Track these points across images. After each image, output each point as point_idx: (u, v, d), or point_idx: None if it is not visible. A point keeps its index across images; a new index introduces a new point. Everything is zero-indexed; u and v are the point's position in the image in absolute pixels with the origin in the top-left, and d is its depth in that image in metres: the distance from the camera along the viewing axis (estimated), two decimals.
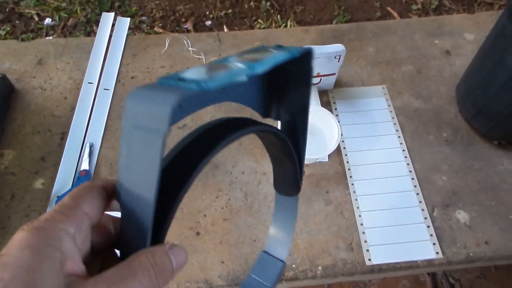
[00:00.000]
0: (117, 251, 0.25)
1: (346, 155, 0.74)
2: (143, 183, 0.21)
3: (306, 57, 0.29)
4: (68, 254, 0.20)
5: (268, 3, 1.95)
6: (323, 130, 0.74)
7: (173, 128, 0.77)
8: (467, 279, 1.20)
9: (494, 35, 0.65)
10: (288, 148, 0.32)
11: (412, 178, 0.72)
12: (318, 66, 0.75)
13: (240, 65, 0.24)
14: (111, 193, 0.25)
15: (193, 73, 0.22)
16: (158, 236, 0.23)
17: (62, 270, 0.19)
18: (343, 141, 0.75)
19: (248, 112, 0.38)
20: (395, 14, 1.92)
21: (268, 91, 0.32)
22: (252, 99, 0.31)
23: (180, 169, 0.24)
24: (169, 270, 0.22)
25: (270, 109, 0.33)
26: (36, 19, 1.78)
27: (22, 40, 1.27)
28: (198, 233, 0.66)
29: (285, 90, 0.32)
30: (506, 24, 0.60)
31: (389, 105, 0.80)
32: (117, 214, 0.24)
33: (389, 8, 1.97)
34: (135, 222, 0.22)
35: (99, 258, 0.25)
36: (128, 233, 0.23)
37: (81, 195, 0.23)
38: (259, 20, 1.87)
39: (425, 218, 0.68)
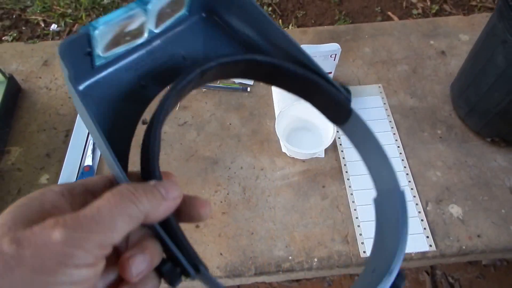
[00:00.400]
0: None
1: (342, 151, 0.76)
2: (96, 139, 0.24)
3: None
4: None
5: (270, 8, 1.97)
6: (319, 126, 0.76)
7: (174, 125, 0.80)
8: (466, 279, 1.21)
9: (485, 35, 0.67)
10: (284, 70, 0.29)
11: (407, 174, 0.73)
12: None
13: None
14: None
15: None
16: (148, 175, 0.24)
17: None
18: (339, 138, 0.77)
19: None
20: (396, 19, 1.94)
21: (234, 40, 0.32)
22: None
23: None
24: (153, 193, 0.22)
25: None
26: (42, 25, 1.82)
27: None
28: (197, 226, 0.68)
29: (239, 24, 0.31)
30: (496, 24, 0.62)
31: (384, 103, 0.82)
32: None
33: (389, 13, 1.99)
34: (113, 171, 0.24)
35: None
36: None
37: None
38: None
39: (419, 212, 0.70)
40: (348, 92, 0.30)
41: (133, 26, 0.27)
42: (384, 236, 0.29)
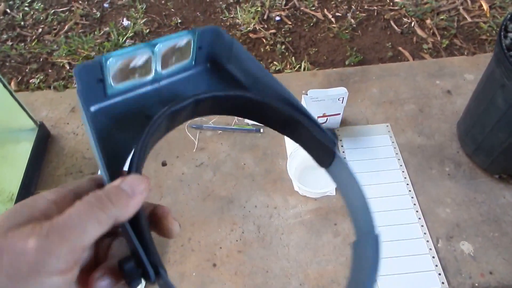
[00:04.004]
0: None
1: None
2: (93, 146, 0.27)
3: (216, 35, 0.34)
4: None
5: (283, 46, 2.04)
6: None
7: (191, 166, 0.84)
8: None
9: (486, 78, 0.70)
10: (272, 108, 0.32)
11: (417, 211, 0.76)
12: (324, 107, 0.81)
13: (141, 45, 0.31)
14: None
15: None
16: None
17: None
18: None
19: None
20: (407, 54, 1.98)
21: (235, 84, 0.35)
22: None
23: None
24: (118, 195, 0.23)
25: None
26: (68, 67, 1.92)
27: (54, 88, 1.39)
28: (214, 265, 0.71)
29: (238, 72, 0.35)
30: (494, 69, 0.65)
31: (393, 142, 0.85)
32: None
33: (400, 48, 2.03)
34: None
35: None
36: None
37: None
38: (274, 62, 1.97)
39: (430, 249, 0.71)
40: (334, 135, 0.32)
41: (140, 62, 0.31)
42: (358, 277, 0.30)
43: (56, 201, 0.24)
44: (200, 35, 0.33)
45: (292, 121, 0.32)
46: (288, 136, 0.34)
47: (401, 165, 0.81)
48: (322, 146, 0.32)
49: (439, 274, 0.69)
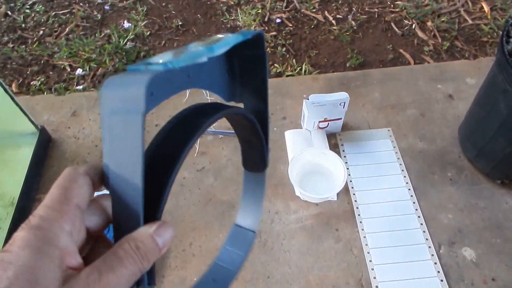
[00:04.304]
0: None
1: (354, 194, 0.78)
2: (128, 166, 0.22)
3: (258, 39, 0.33)
4: (66, 250, 0.21)
5: (284, 49, 2.04)
6: (331, 170, 0.79)
7: (192, 171, 0.84)
8: None
9: (487, 83, 0.70)
10: (255, 127, 0.34)
11: (418, 216, 0.75)
12: (325, 112, 0.81)
13: (200, 48, 0.27)
14: (97, 178, 0.25)
15: (159, 57, 0.25)
16: (151, 219, 0.23)
17: (60, 266, 0.21)
18: (351, 181, 0.80)
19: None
20: (407, 56, 1.98)
21: (230, 76, 0.35)
22: (216, 84, 0.34)
23: (167, 152, 0.25)
24: (154, 251, 0.23)
25: (233, 93, 0.36)
26: (68, 69, 1.92)
27: (55, 90, 1.39)
28: None
29: (244, 74, 0.35)
30: (496, 74, 0.65)
31: (394, 147, 0.85)
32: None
33: (401, 50, 2.03)
34: (125, 206, 0.23)
35: (97, 240, 0.26)
36: (120, 217, 0.23)
37: (70, 187, 0.23)
38: (275, 65, 1.97)
39: (432, 255, 0.71)
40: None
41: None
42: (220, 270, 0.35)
43: (71, 232, 0.22)
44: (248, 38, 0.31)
45: (256, 137, 0.35)
46: (241, 143, 0.37)
47: (402, 170, 0.81)
48: (263, 159, 0.36)
49: (441, 280, 0.68)
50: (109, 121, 0.22)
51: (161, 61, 0.23)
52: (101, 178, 0.24)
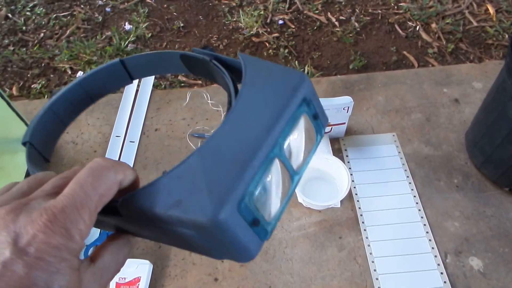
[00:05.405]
0: None
1: (358, 201, 0.77)
2: None
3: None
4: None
5: (287, 50, 2.03)
6: (335, 176, 0.77)
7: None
8: None
9: (496, 88, 0.68)
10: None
11: (424, 224, 0.73)
12: (329, 117, 0.79)
13: (293, 185, 0.27)
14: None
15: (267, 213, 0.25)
16: None
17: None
18: (354, 187, 0.78)
19: None
20: (411, 58, 1.96)
21: None
22: None
23: None
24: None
25: None
26: (69, 72, 1.91)
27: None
28: (216, 279, 0.69)
29: None
30: (506, 79, 0.63)
31: (399, 152, 0.83)
32: None
33: (405, 52, 2.01)
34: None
35: None
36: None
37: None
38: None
39: (438, 264, 0.69)
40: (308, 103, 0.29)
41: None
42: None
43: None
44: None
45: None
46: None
47: (407, 176, 0.79)
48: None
49: None
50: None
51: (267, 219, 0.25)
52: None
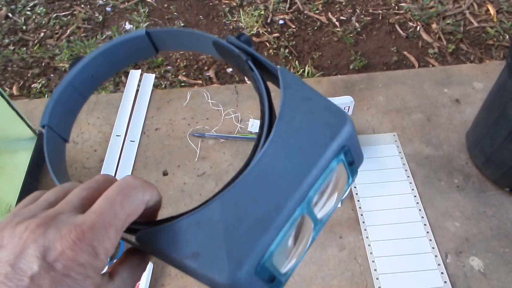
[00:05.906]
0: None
1: (358, 200, 0.77)
2: None
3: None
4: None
5: (287, 50, 2.02)
6: None
7: (193, 176, 0.82)
8: None
9: (497, 88, 0.68)
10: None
11: (425, 224, 0.73)
12: None
13: (313, 233, 0.26)
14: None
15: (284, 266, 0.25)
16: None
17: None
18: (355, 187, 0.78)
19: None
20: (412, 58, 1.96)
21: None
22: None
23: None
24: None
25: None
26: None
27: None
28: None
29: None
30: (507, 79, 0.63)
31: (400, 152, 0.83)
32: None
33: (405, 53, 2.01)
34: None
35: None
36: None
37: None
38: (278, 67, 1.95)
39: (439, 264, 0.69)
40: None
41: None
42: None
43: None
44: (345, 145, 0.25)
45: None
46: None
47: (408, 176, 0.79)
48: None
49: None
50: None
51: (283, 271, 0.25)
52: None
